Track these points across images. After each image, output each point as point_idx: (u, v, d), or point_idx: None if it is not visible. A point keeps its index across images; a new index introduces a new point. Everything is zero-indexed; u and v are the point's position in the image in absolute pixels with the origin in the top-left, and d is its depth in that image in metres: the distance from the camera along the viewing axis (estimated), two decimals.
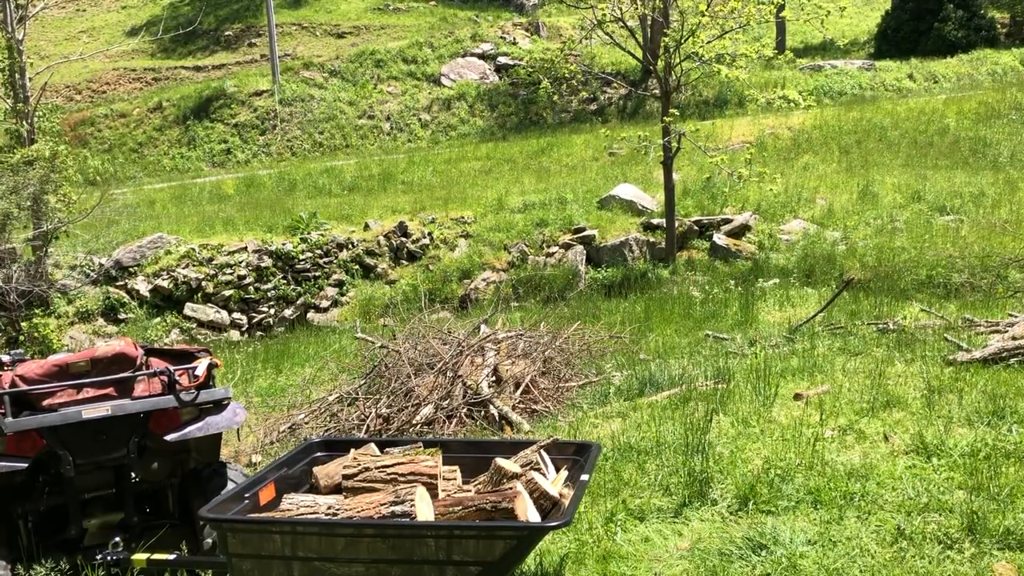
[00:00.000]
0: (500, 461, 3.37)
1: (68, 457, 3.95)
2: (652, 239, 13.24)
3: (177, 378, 4.10)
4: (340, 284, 13.52)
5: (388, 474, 3.28)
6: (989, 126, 17.63)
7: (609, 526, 4.09)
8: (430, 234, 13.95)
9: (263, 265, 13.44)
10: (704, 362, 7.05)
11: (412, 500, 2.99)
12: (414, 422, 6.35)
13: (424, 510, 3.02)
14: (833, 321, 8.40)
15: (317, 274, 13.53)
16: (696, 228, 13.35)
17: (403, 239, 13.89)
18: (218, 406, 4.18)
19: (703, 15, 11.29)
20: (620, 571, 3.69)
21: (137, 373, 4.16)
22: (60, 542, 4.14)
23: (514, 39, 27.61)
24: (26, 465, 3.94)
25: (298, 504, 3.22)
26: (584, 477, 3.28)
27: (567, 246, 13.32)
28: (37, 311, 12.07)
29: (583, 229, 13.45)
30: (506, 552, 2.84)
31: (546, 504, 3.13)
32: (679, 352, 7.82)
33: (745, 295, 10.28)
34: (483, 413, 6.44)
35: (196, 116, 24.46)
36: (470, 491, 3.35)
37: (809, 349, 7.18)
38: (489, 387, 6.73)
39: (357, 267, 13.70)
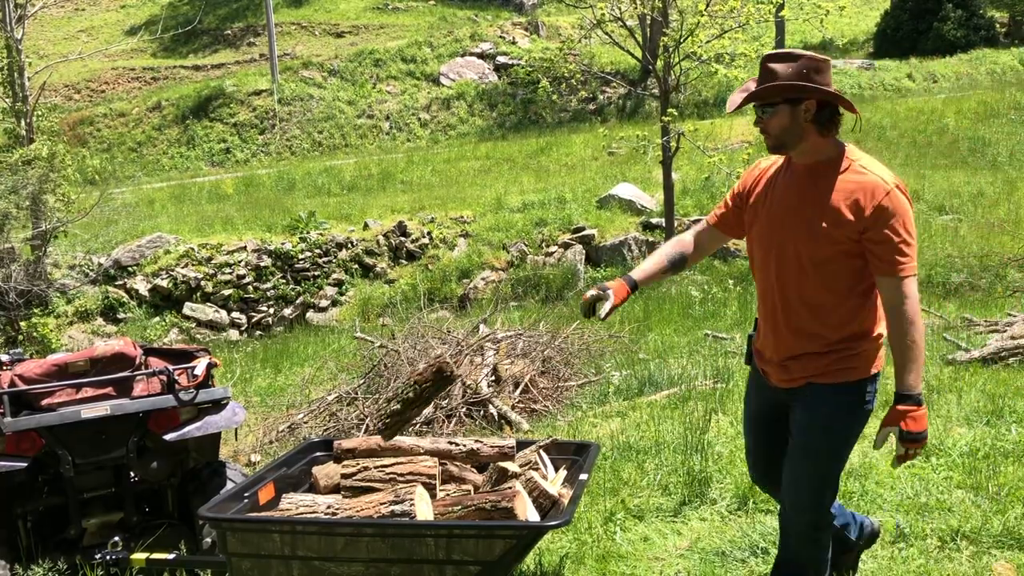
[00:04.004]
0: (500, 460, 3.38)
1: (67, 457, 3.95)
2: (651, 238, 13.24)
3: (176, 378, 4.10)
4: (339, 284, 13.52)
5: (387, 474, 3.28)
6: (988, 126, 17.65)
7: (608, 525, 4.10)
8: (429, 233, 13.95)
9: (262, 264, 13.43)
10: (703, 361, 7.05)
11: (412, 499, 2.99)
12: (413, 421, 6.35)
13: (423, 510, 3.02)
14: None
15: (316, 273, 13.53)
16: None
17: (402, 238, 13.89)
18: (217, 406, 4.18)
19: (702, 15, 11.29)
20: (619, 570, 3.69)
21: (136, 373, 4.15)
22: (59, 542, 4.14)
23: (513, 39, 27.61)
24: (25, 465, 3.93)
25: (297, 504, 3.22)
26: (583, 476, 3.28)
27: (566, 245, 13.32)
28: (36, 311, 12.07)
29: (582, 228, 13.45)
30: (505, 551, 2.84)
31: (545, 503, 3.13)
32: (678, 352, 7.83)
33: (744, 294, 10.29)
34: (482, 413, 6.44)
35: (195, 115, 24.45)
36: (469, 491, 3.35)
37: None
38: (488, 387, 6.73)
39: (356, 266, 13.70)
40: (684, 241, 3.13)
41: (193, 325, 12.81)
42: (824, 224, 2.66)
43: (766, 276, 2.85)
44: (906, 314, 2.60)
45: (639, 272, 3.07)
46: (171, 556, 3.90)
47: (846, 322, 2.74)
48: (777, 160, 2.90)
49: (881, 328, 2.77)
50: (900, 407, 2.64)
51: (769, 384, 2.94)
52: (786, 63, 2.67)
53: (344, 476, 3.33)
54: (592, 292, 2.98)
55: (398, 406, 3.21)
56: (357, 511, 3.07)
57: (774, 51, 2.74)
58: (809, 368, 2.79)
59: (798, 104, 2.67)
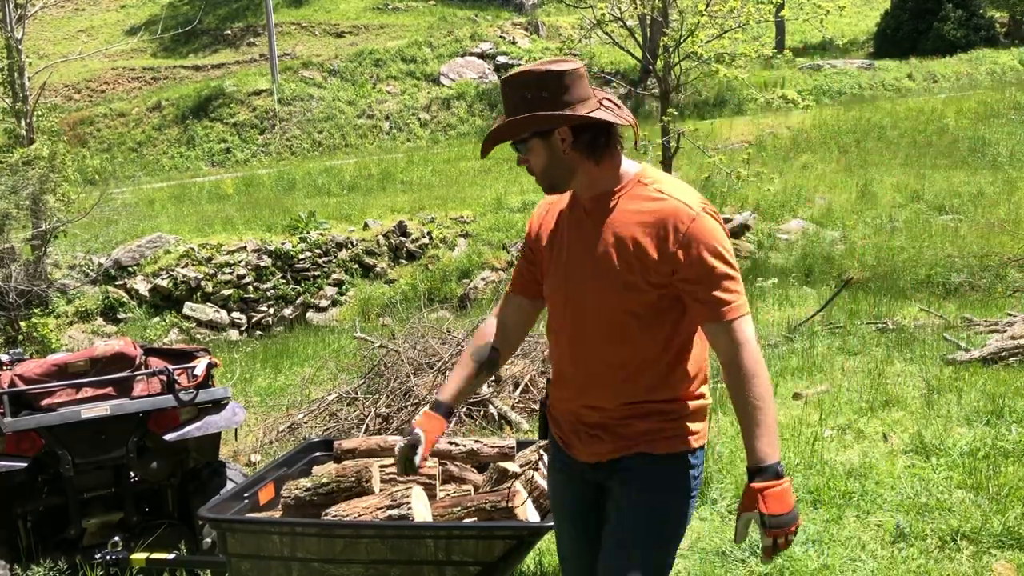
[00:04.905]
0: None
1: (67, 457, 3.96)
2: None
3: (176, 378, 4.10)
4: (339, 283, 13.52)
5: (387, 475, 3.27)
6: (988, 125, 17.65)
7: None
8: (429, 233, 13.94)
9: (262, 264, 13.44)
10: None
11: (408, 503, 2.98)
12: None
13: (420, 510, 3.02)
14: (832, 320, 8.40)
15: (316, 273, 13.53)
16: None
17: (402, 238, 13.89)
18: (217, 406, 4.18)
19: (702, 15, 11.29)
20: None
21: (136, 373, 4.16)
22: (59, 542, 4.14)
23: (513, 39, 27.61)
24: (25, 465, 3.94)
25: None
26: None
27: None
28: (36, 311, 12.07)
29: None
30: (505, 552, 2.84)
31: (545, 504, 3.13)
32: None
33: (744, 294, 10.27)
34: (482, 413, 6.44)
35: (195, 115, 24.45)
36: (469, 491, 3.35)
37: (808, 348, 7.18)
38: (488, 386, 6.73)
39: (356, 266, 13.71)
40: (486, 332, 2.45)
41: (193, 325, 12.81)
42: (619, 267, 2.12)
43: (562, 334, 2.29)
44: (744, 366, 2.08)
45: (447, 392, 2.41)
46: (171, 556, 3.91)
47: (660, 384, 2.19)
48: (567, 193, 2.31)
49: (706, 389, 2.28)
50: (755, 484, 2.06)
51: (576, 462, 2.32)
52: (520, 88, 2.13)
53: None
54: (403, 442, 2.35)
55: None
56: (356, 514, 3.07)
57: (511, 73, 2.18)
58: (622, 438, 2.21)
59: (549, 135, 2.13)
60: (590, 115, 2.10)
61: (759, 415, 2.09)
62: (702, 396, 2.26)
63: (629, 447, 2.21)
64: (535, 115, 2.10)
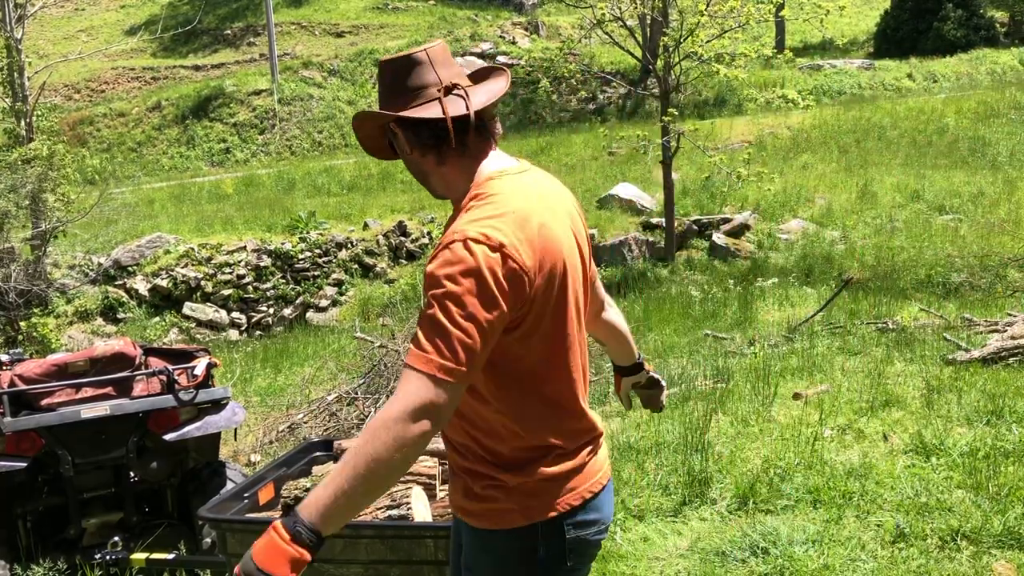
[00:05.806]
0: None
1: (67, 457, 3.96)
2: (651, 238, 13.24)
3: (176, 378, 4.10)
4: (339, 283, 13.52)
5: None
6: (988, 125, 17.64)
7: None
8: (429, 233, 13.95)
9: (262, 264, 13.44)
10: (703, 361, 7.05)
11: (408, 503, 2.98)
12: None
13: (420, 510, 3.02)
14: (832, 320, 8.40)
15: (316, 273, 13.53)
16: (695, 227, 13.35)
17: (402, 238, 13.89)
18: (217, 406, 4.18)
19: (702, 14, 11.29)
20: (620, 570, 3.69)
21: (136, 373, 4.16)
22: (59, 542, 4.14)
23: (513, 38, 27.61)
24: (25, 465, 3.94)
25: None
26: None
27: None
28: (36, 310, 12.07)
29: None
30: None
31: None
32: (678, 351, 7.82)
33: (744, 294, 10.29)
34: None
35: (195, 115, 24.45)
36: None
37: (808, 348, 7.18)
38: None
39: (356, 266, 13.71)
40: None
41: (193, 325, 12.81)
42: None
43: None
44: (377, 426, 1.57)
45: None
46: (171, 556, 3.91)
47: (488, 435, 1.80)
48: None
49: (565, 447, 1.85)
50: (275, 523, 1.59)
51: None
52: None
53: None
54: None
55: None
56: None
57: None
58: (457, 495, 1.87)
59: (394, 133, 1.85)
60: (388, 112, 1.79)
61: (341, 477, 1.56)
62: (555, 461, 1.81)
63: (458, 509, 1.87)
64: (360, 112, 1.88)
